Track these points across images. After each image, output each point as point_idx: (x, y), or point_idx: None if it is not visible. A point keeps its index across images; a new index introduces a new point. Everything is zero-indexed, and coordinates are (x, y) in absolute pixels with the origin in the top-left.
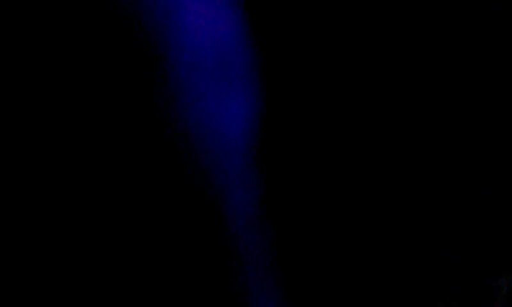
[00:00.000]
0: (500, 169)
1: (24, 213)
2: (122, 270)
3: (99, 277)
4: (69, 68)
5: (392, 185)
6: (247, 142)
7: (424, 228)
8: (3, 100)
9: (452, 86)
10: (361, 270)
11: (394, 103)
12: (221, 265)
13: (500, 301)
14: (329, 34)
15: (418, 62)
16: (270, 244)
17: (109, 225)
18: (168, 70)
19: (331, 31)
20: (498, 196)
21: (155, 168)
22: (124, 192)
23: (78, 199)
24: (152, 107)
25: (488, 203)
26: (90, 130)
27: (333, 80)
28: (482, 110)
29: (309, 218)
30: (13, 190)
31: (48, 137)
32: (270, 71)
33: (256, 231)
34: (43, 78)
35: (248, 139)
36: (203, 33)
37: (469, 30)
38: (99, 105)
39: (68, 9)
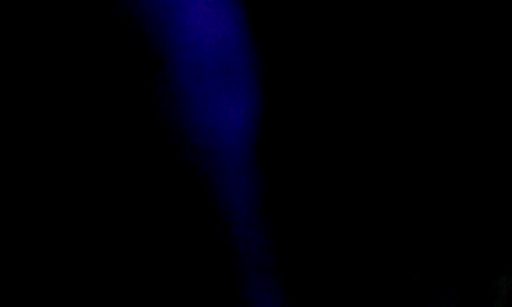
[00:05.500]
0: (500, 169)
1: (24, 213)
2: (121, 269)
3: (99, 276)
4: (69, 68)
5: (392, 185)
6: (247, 142)
7: (423, 228)
8: (3, 100)
9: (452, 86)
10: (361, 270)
11: (395, 103)
12: (221, 265)
13: (500, 301)
14: (330, 34)
15: (418, 62)
16: (270, 244)
17: (108, 224)
18: (167, 69)
19: (331, 32)
20: (498, 196)
21: (154, 167)
22: (123, 192)
23: (78, 198)
24: (152, 106)
25: (487, 203)
26: (90, 129)
27: (334, 81)
28: (482, 110)
29: (309, 218)
30: (12, 190)
31: (48, 137)
32: (270, 71)
33: (256, 231)
34: (42, 78)
35: (248, 139)
36: (203, 33)
37: (469, 30)
38: (99, 104)
39: (68, 8)
